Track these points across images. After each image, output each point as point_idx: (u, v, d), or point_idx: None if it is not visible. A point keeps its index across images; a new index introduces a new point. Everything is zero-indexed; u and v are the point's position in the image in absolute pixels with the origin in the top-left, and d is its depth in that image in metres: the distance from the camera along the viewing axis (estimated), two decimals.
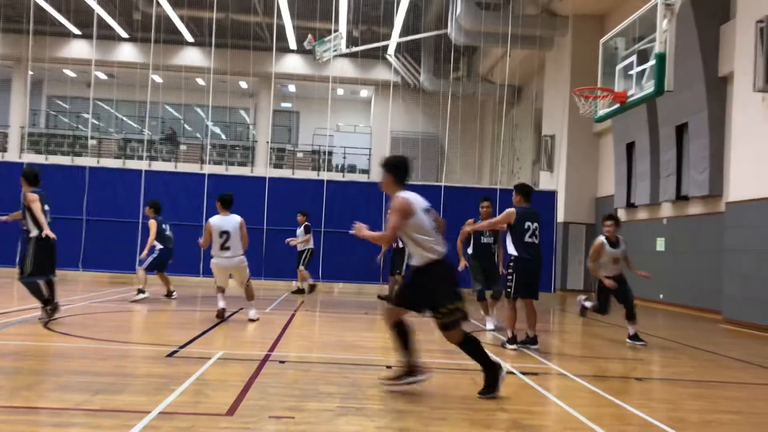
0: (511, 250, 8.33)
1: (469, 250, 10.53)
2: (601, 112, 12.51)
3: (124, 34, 28.06)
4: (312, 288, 16.01)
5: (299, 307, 12.74)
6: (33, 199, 8.56)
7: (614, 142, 19.93)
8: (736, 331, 12.35)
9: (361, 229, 5.75)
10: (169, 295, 12.73)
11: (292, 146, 32.09)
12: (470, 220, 10.07)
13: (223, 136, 34.08)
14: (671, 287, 16.85)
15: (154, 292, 13.26)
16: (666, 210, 17.45)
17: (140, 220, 18.57)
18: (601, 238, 10.10)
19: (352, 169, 29.85)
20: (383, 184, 5.73)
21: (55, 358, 6.38)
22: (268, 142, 29.23)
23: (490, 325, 10.25)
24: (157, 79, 28.32)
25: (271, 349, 7.42)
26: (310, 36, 23.72)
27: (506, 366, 6.87)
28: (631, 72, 11.50)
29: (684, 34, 14.57)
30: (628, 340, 9.62)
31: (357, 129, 32.77)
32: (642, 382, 6.82)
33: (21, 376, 5.52)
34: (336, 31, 23.61)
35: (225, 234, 9.61)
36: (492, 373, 5.51)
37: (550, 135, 22.79)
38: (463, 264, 10.38)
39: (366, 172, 29.69)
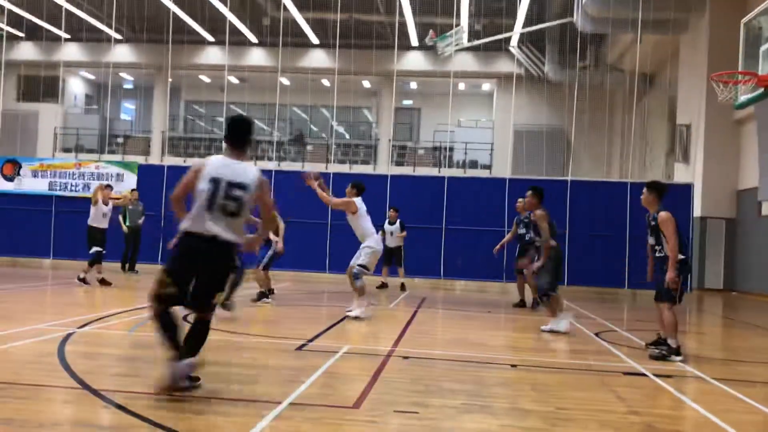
0: (681, 255, 7.27)
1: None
2: (743, 98, 11.70)
3: (254, 39, 29.32)
4: (384, 285, 15.41)
5: (421, 304, 12.80)
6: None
7: (758, 130, 18.54)
8: None
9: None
10: (270, 292, 11.59)
11: (413, 143, 32.28)
12: None
13: (347, 136, 34.82)
14: None
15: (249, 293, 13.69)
16: None
17: None
18: None
19: (473, 164, 29.61)
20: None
21: None
22: (389, 140, 29.57)
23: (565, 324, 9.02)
24: (285, 81, 29.36)
25: (395, 344, 7.50)
26: (431, 32, 23.76)
27: (639, 367, 6.58)
28: None
29: None
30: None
31: (479, 124, 32.45)
32: None
33: (164, 365, 5.90)
34: (458, 25, 23.49)
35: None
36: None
37: (685, 124, 21.56)
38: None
39: (488, 167, 29.37)
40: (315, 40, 28.93)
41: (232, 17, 25.85)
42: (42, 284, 13.95)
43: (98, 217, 12.95)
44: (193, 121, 35.72)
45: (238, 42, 28.60)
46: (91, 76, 34.24)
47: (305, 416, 4.41)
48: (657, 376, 6.25)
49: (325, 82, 30.34)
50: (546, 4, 26.03)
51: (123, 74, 32.76)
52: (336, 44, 23.96)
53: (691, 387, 6.12)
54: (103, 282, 12.74)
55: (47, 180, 20.27)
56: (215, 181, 4.83)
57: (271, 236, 11.19)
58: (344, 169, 26.86)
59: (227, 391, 4.99)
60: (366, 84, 32.25)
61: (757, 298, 18.30)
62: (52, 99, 30.63)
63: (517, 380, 6.00)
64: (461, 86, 31.76)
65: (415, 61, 29.79)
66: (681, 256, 7.24)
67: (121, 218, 16.80)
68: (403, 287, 15.14)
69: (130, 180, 19.75)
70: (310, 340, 7.47)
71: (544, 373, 6.39)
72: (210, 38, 29.32)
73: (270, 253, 11.32)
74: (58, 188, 20.16)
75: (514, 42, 27.79)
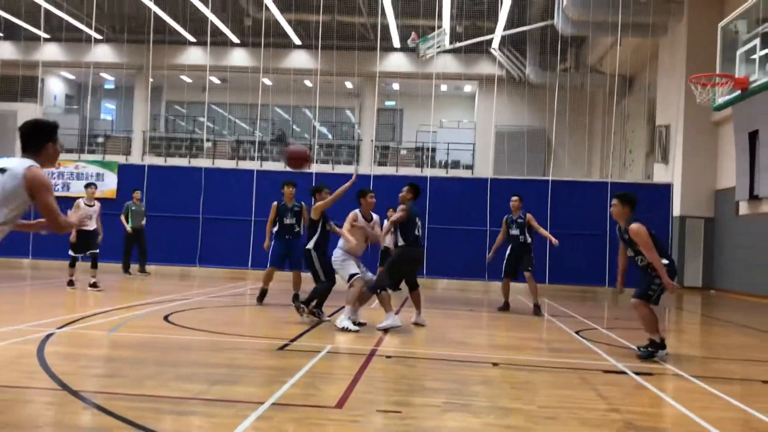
0: (664, 260, 7.22)
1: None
2: (720, 100, 11.87)
3: (235, 40, 29.19)
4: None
5: (404, 303, 12.82)
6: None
7: (735, 132, 18.80)
8: None
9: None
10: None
11: (396, 144, 32.31)
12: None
13: (330, 136, 34.78)
14: None
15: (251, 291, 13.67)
16: None
17: (252, 218, 19.30)
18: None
19: (455, 165, 29.70)
20: None
21: (175, 350, 6.74)
22: (372, 141, 29.58)
23: None
24: (267, 82, 29.26)
25: (378, 344, 7.52)
26: (413, 34, 23.82)
27: (619, 365, 6.65)
28: (753, 56, 10.84)
29: None
30: None
31: (461, 125, 32.56)
32: None
33: (144, 366, 5.87)
34: (439, 27, 23.57)
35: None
36: None
37: (664, 125, 21.80)
38: None
39: (470, 167, 29.48)
40: (297, 41, 28.88)
41: (213, 18, 25.74)
42: (21, 284, 13.80)
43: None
44: (174, 121, 35.50)
45: (220, 42, 28.46)
46: (71, 76, 33.93)
47: (288, 416, 4.41)
48: (637, 374, 6.32)
49: (308, 83, 30.29)
50: (527, 7, 26.18)
51: (103, 74, 32.48)
52: (318, 45, 23.94)
53: (670, 384, 6.19)
54: (94, 285, 12.26)
55: None
56: None
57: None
58: (327, 169, 26.83)
59: (209, 392, 4.98)
60: (348, 85, 32.24)
61: (735, 296, 18.54)
62: (31, 99, 30.30)
63: (498, 379, 6.04)
64: (443, 87, 31.86)
65: (397, 62, 29.84)
66: (665, 261, 7.20)
67: (123, 219, 16.60)
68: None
69: (111, 180, 19.60)
70: (293, 340, 7.47)
71: (525, 371, 6.44)
72: (191, 38, 29.15)
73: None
74: None
75: (495, 44, 27.93)
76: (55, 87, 34.03)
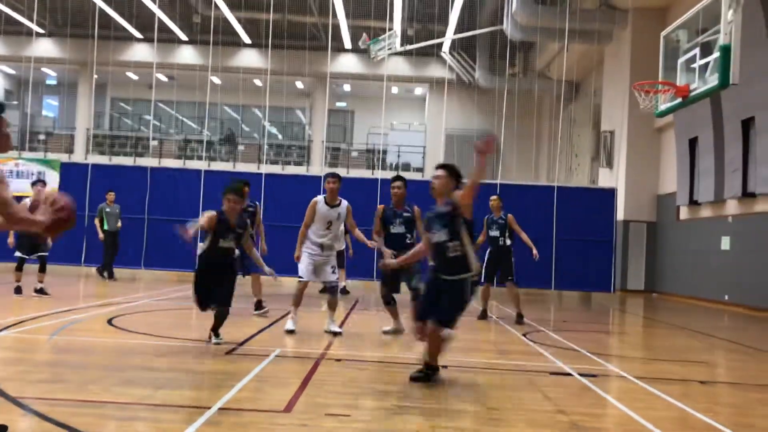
0: None
1: None
2: (663, 107, 12.21)
3: (183, 37, 28.71)
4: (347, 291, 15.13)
5: (354, 306, 12.81)
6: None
7: (676, 138, 19.39)
8: None
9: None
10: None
11: (346, 145, 32.28)
12: None
13: (280, 136, 34.52)
14: (737, 287, 16.30)
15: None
16: (731, 207, 16.89)
17: None
18: None
19: (406, 167, 29.84)
20: None
21: (119, 354, 6.58)
22: (323, 142, 29.48)
23: None
24: (216, 80, 28.88)
25: (327, 347, 7.48)
26: (364, 35, 23.82)
27: (565, 367, 6.77)
28: (693, 65, 11.18)
29: (750, 24, 14.05)
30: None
31: (411, 127, 32.73)
32: (706, 385, 6.62)
33: (88, 370, 5.71)
34: (390, 29, 23.62)
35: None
36: None
37: (609, 131, 22.33)
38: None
39: (420, 170, 29.65)
40: (247, 39, 28.57)
41: (161, 14, 25.26)
42: None
43: None
44: (120, 119, 34.71)
45: (167, 39, 27.96)
46: (11, 71, 32.83)
47: (235, 421, 4.35)
48: (582, 375, 6.44)
49: (257, 82, 29.99)
50: (477, 11, 26.48)
51: (45, 69, 31.50)
52: (269, 44, 23.73)
53: (614, 385, 6.34)
54: (41, 291, 11.40)
55: None
56: None
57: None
58: (277, 169, 26.60)
59: (154, 397, 4.87)
60: (299, 85, 32.05)
61: (676, 299, 19.10)
62: None
63: (448, 381, 6.07)
64: (394, 90, 31.97)
65: (348, 63, 29.81)
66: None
67: (97, 222, 16.00)
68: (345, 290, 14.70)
69: (53, 179, 19.02)
70: (241, 344, 7.37)
71: (474, 373, 6.50)
72: (138, 35, 28.53)
73: None
74: None
75: (446, 48, 28.17)
76: None
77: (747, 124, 15.99)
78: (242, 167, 25.94)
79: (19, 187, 19.31)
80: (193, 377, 5.77)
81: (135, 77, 32.22)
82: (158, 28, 24.59)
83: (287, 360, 6.75)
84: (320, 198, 8.54)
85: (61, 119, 33.60)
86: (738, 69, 10.04)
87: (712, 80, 10.49)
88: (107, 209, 16.22)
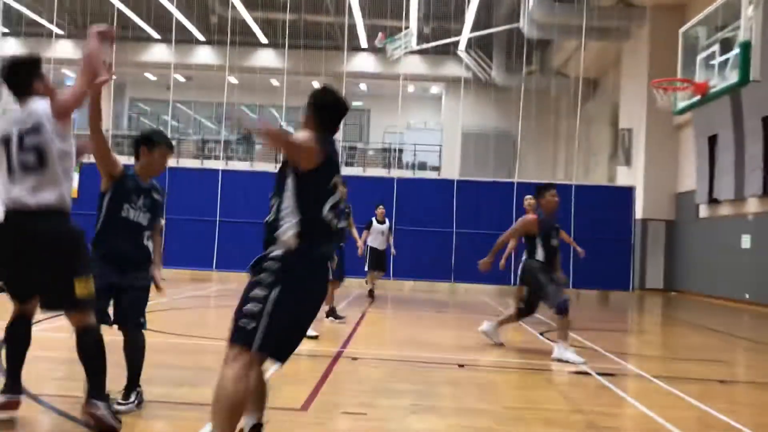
0: None
1: None
2: (681, 105, 12.10)
3: (201, 38, 28.88)
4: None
5: (370, 304, 12.82)
6: None
7: (695, 136, 19.21)
8: None
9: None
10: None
11: (363, 144, 32.31)
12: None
13: None
14: (758, 286, 16.11)
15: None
16: (752, 205, 16.70)
17: (217, 219, 19.12)
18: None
19: (422, 166, 29.81)
20: None
21: None
22: (339, 141, 29.53)
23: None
24: (233, 80, 29.01)
25: (344, 345, 7.50)
26: (380, 34, 23.82)
27: (583, 366, 6.73)
28: (713, 62, 11.07)
29: None
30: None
31: (427, 126, 32.69)
32: (726, 384, 6.55)
33: (107, 368, 5.76)
34: (407, 28, 23.61)
35: None
36: None
37: (627, 129, 22.16)
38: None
39: (437, 169, 29.60)
40: (264, 39, 28.68)
41: (178, 14, 25.42)
42: None
43: None
44: (138, 119, 34.99)
45: (185, 40, 28.12)
46: None
47: None
48: (600, 374, 6.40)
49: (274, 82, 30.10)
50: (493, 9, 26.39)
51: (65, 70, 31.81)
52: (285, 44, 23.81)
53: (631, 385, 6.29)
54: None
55: None
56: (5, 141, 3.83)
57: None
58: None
59: (172, 395, 4.91)
60: (315, 84, 32.09)
61: (695, 298, 18.92)
62: None
63: (464, 380, 6.07)
64: (410, 89, 31.92)
65: (364, 62, 29.83)
66: None
67: None
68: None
69: (73, 179, 19.24)
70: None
71: (490, 372, 6.48)
72: (156, 35, 28.74)
73: None
74: None
75: (462, 46, 28.09)
76: None
77: (767, 122, 15.80)
78: (260, 166, 26.06)
79: None
80: (212, 375, 5.79)
81: (153, 78, 32.47)
82: (176, 29, 24.75)
83: (304, 358, 6.77)
84: None
85: (80, 120, 33.83)
86: (759, 65, 9.91)
87: (732, 77, 10.37)
88: None
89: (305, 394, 5.05)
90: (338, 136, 29.64)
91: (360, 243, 10.62)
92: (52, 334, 7.56)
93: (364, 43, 28.21)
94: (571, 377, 6.29)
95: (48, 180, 3.80)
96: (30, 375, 5.32)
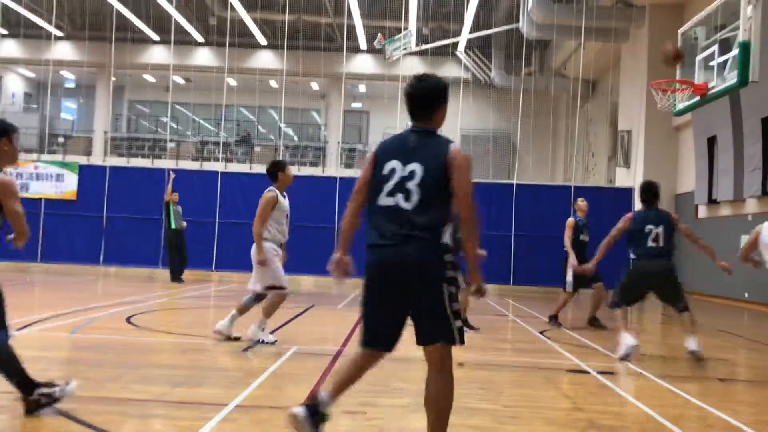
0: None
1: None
2: (681, 106, 12.11)
3: (200, 39, 28.88)
4: None
5: None
6: None
7: (694, 136, 19.21)
8: None
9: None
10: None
11: (362, 146, 32.30)
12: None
13: (296, 138, 34.61)
14: (757, 285, 16.12)
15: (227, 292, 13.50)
16: (751, 206, 16.71)
17: (216, 220, 19.11)
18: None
19: None
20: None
21: (137, 352, 6.63)
22: (339, 142, 29.53)
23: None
24: (232, 82, 29.02)
25: (344, 344, 7.49)
26: (380, 35, 23.84)
27: (582, 365, 6.73)
28: (712, 63, 11.08)
29: None
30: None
31: None
32: (725, 383, 6.56)
33: (106, 368, 5.77)
34: (406, 29, 23.63)
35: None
36: None
37: (626, 130, 22.17)
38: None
39: None
40: (263, 40, 28.69)
41: (177, 16, 25.43)
42: None
43: None
44: (137, 121, 34.99)
45: (184, 41, 28.13)
46: (31, 74, 33.21)
47: (252, 418, 4.37)
48: (600, 373, 6.40)
49: (273, 84, 30.11)
50: (492, 10, 26.42)
51: (64, 72, 31.86)
52: (284, 45, 23.82)
53: (632, 383, 6.29)
54: None
55: None
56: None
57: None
58: (293, 170, 26.69)
59: (172, 394, 4.91)
60: (314, 86, 32.13)
61: (695, 297, 18.91)
62: None
63: (464, 379, 6.05)
64: None
65: (363, 63, 29.84)
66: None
67: (165, 219, 15.94)
68: None
69: (71, 181, 19.23)
70: (258, 342, 7.39)
71: (490, 371, 6.48)
72: (155, 37, 28.75)
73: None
74: None
75: (461, 47, 28.11)
76: (13, 85, 33.28)
77: (766, 122, 15.81)
78: (259, 168, 26.04)
79: (38, 189, 19.56)
80: (211, 374, 5.80)
81: (152, 79, 32.47)
82: (175, 30, 24.76)
83: (305, 357, 6.77)
84: None
85: (79, 122, 33.91)
86: (758, 66, 9.92)
87: (731, 78, 10.38)
88: (173, 207, 15.93)
89: (306, 392, 5.05)
90: (337, 137, 29.83)
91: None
92: (52, 334, 7.57)
93: (363, 44, 28.23)
94: (571, 376, 6.29)
95: None
96: (30, 374, 5.32)
